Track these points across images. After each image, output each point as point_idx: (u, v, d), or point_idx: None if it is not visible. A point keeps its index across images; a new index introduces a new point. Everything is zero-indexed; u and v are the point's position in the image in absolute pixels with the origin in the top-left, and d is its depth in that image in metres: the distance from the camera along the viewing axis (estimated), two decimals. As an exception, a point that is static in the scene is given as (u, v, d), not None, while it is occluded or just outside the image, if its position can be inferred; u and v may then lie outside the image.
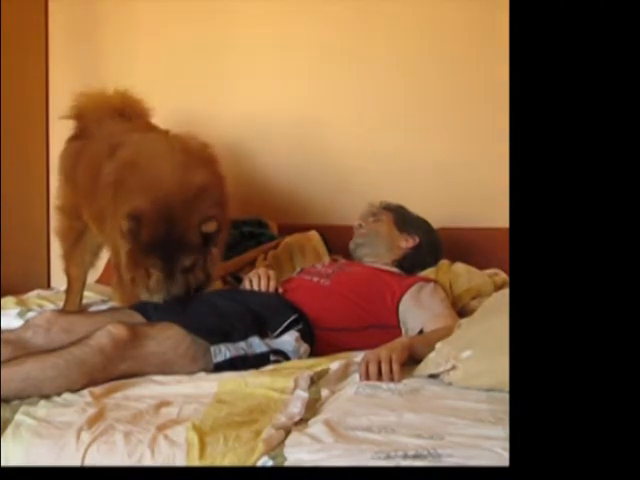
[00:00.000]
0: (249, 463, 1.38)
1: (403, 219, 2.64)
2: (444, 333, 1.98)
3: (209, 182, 2.23)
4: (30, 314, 2.33)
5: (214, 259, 2.20)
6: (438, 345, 1.88)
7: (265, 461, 1.38)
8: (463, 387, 1.73)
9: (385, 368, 1.82)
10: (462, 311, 2.40)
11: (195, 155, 2.30)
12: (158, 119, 2.67)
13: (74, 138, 2.66)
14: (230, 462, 1.39)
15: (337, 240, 2.82)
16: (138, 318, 2.06)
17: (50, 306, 2.59)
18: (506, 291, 2.15)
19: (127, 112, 2.57)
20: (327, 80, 3.17)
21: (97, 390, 1.71)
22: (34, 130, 3.32)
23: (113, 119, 2.53)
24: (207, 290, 2.22)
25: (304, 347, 2.02)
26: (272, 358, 1.96)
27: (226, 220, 2.30)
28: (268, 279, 2.32)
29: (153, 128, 2.59)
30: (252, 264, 2.80)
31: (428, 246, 2.62)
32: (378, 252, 2.56)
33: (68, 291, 2.62)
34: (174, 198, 2.13)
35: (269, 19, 3.19)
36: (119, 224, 2.13)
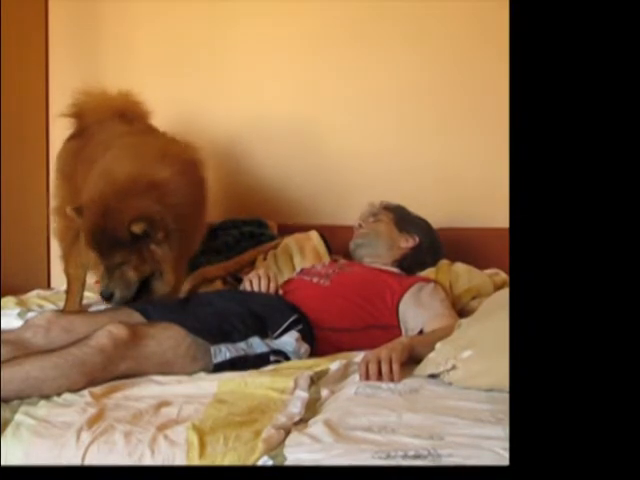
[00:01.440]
0: (249, 463, 1.38)
1: (403, 219, 2.64)
2: (444, 333, 1.98)
3: (161, 181, 2.21)
4: (30, 314, 2.33)
5: (157, 257, 2.18)
6: (438, 345, 1.88)
7: (265, 461, 1.38)
8: (463, 387, 1.73)
9: (385, 368, 1.82)
10: (462, 311, 2.40)
11: (164, 156, 2.29)
12: (157, 118, 2.67)
13: (72, 138, 2.65)
14: (230, 462, 1.39)
15: (337, 240, 2.82)
16: (138, 318, 2.06)
17: (50, 306, 2.59)
18: (506, 291, 2.15)
19: (128, 114, 2.57)
20: (327, 80, 3.16)
21: (97, 390, 1.71)
22: (34, 130, 3.32)
23: (113, 120, 2.53)
24: (166, 289, 2.23)
25: (304, 347, 2.02)
26: (272, 358, 1.96)
27: (185, 220, 2.24)
28: (268, 280, 2.32)
29: (152, 131, 2.59)
30: (252, 264, 2.80)
31: (428, 246, 2.62)
32: (378, 252, 2.56)
33: (68, 291, 2.62)
34: (112, 194, 2.15)
35: (268, 19, 3.19)
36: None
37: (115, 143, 2.37)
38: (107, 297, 2.19)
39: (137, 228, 2.11)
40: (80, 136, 2.60)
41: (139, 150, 2.34)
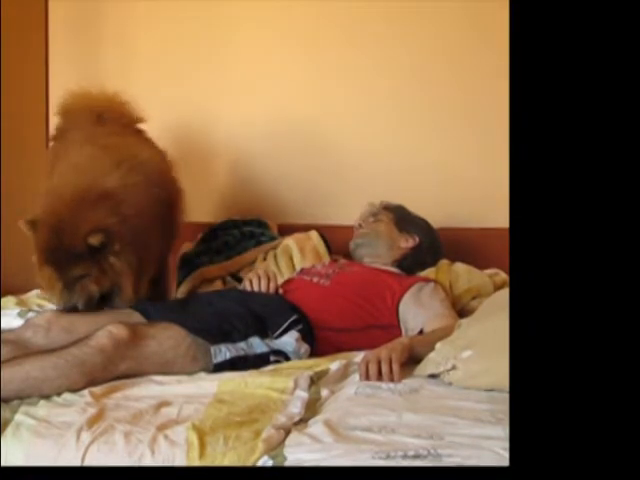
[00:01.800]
0: (249, 463, 1.38)
1: (403, 219, 2.64)
2: (444, 333, 1.98)
3: (113, 190, 2.15)
4: (30, 314, 2.33)
5: (116, 269, 2.12)
6: (438, 345, 1.88)
7: (265, 461, 1.38)
8: (463, 387, 1.73)
9: (385, 368, 1.82)
10: (462, 311, 2.40)
11: (119, 163, 2.23)
12: (157, 118, 2.67)
13: (53, 139, 2.64)
14: (230, 462, 1.39)
15: (337, 240, 2.82)
16: (138, 318, 2.06)
17: (50, 306, 2.58)
18: (506, 291, 2.15)
19: (107, 115, 2.51)
20: (327, 80, 3.16)
21: (97, 390, 1.71)
22: (34, 129, 3.32)
23: (89, 122, 2.48)
24: (124, 306, 2.16)
25: (304, 347, 2.02)
26: (272, 358, 1.96)
27: (142, 233, 2.19)
28: (268, 280, 2.32)
29: (122, 133, 2.50)
30: (252, 264, 2.80)
31: (428, 246, 2.62)
32: (378, 252, 2.56)
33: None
34: (64, 207, 2.09)
35: (269, 18, 3.18)
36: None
37: (74, 149, 2.33)
38: (70, 311, 2.10)
39: (94, 240, 2.06)
40: (60, 137, 2.57)
41: (93, 158, 2.27)
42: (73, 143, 2.40)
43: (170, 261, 2.62)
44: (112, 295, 2.16)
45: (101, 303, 2.15)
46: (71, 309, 2.11)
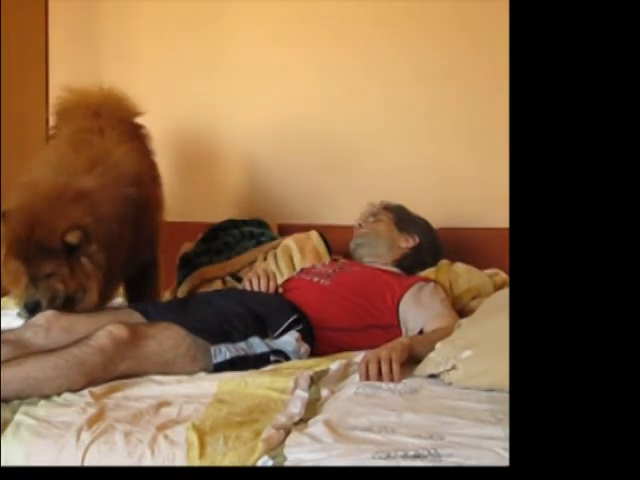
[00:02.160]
0: (249, 463, 1.38)
1: (403, 219, 2.65)
2: (444, 333, 1.98)
3: (88, 191, 2.12)
4: (30, 314, 2.33)
5: (86, 271, 2.08)
6: (438, 345, 1.88)
7: (265, 461, 1.38)
8: (463, 387, 1.73)
9: (385, 368, 1.82)
10: (462, 311, 2.40)
11: (94, 164, 2.20)
12: (157, 118, 2.67)
13: (50, 137, 2.63)
14: (230, 462, 1.39)
15: (337, 240, 2.82)
16: (138, 318, 2.06)
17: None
18: (506, 291, 2.15)
19: (102, 111, 2.47)
20: (327, 81, 3.16)
21: (97, 390, 1.71)
22: (34, 130, 3.31)
23: (86, 118, 2.44)
24: (86, 306, 2.12)
25: (304, 347, 2.02)
26: (272, 358, 1.96)
27: (113, 236, 2.14)
28: (268, 279, 2.32)
29: (107, 131, 2.42)
30: (252, 264, 2.80)
31: (428, 246, 2.62)
32: (378, 252, 2.56)
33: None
34: (40, 202, 2.06)
35: (271, 18, 3.18)
36: None
37: (47, 147, 2.30)
38: (32, 308, 2.06)
39: (72, 237, 2.02)
40: (55, 136, 2.56)
41: (63, 155, 2.23)
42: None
43: (157, 261, 2.56)
44: (77, 297, 2.11)
45: (65, 304, 2.09)
46: (32, 307, 2.06)
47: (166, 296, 2.74)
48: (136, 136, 2.54)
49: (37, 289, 2.06)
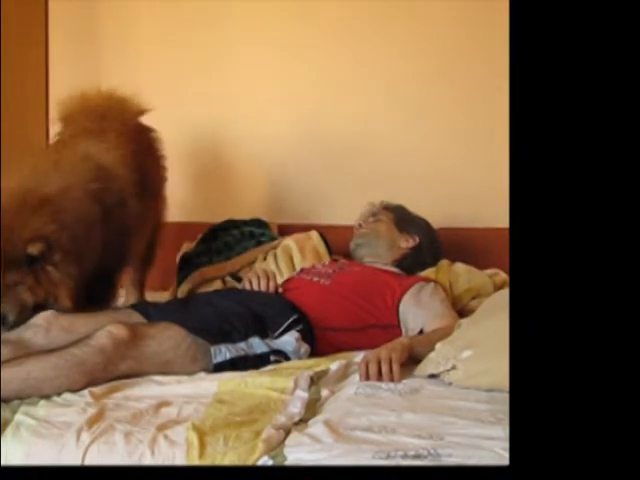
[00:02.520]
0: (249, 463, 1.38)
1: (403, 219, 2.65)
2: (444, 333, 1.98)
3: (52, 195, 2.05)
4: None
5: (53, 279, 2.03)
6: (438, 345, 1.88)
7: (265, 461, 1.38)
8: (463, 387, 1.73)
9: (385, 368, 1.82)
10: (462, 311, 2.40)
11: (57, 165, 2.14)
12: (157, 118, 2.66)
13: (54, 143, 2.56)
14: (230, 462, 1.39)
15: (337, 240, 2.82)
16: (138, 318, 2.06)
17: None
18: (506, 291, 2.15)
19: (107, 114, 2.42)
20: (327, 81, 3.16)
21: (97, 390, 1.71)
22: (34, 132, 3.32)
23: (88, 120, 2.39)
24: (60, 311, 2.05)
25: (304, 347, 2.02)
26: (272, 358, 1.96)
27: (80, 241, 2.08)
28: (268, 279, 2.32)
29: (125, 130, 2.41)
30: (252, 264, 2.80)
31: (428, 246, 2.62)
32: (378, 252, 2.56)
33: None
34: (6, 210, 2.00)
35: (270, 17, 3.19)
36: None
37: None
38: None
39: (34, 249, 1.98)
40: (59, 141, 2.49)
41: (34, 158, 2.19)
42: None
43: (134, 258, 2.52)
44: (47, 305, 2.05)
45: (35, 312, 2.03)
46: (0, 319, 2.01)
47: (166, 296, 2.74)
48: (139, 138, 2.51)
49: (3, 299, 2.00)
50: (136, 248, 2.46)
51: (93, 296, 2.22)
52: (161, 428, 1.49)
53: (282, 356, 1.98)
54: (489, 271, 2.67)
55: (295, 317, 2.09)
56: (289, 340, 2.01)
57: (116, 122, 2.41)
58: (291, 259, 2.76)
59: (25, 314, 2.01)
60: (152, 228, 2.62)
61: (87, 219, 2.12)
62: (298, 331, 2.05)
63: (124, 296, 2.64)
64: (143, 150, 2.50)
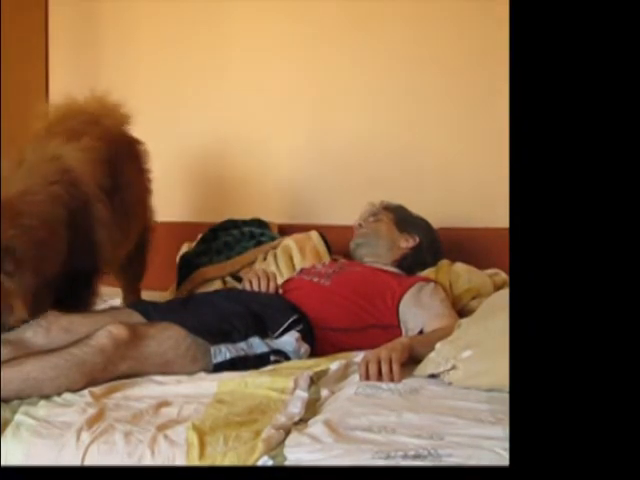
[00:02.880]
0: (249, 463, 1.38)
1: (403, 219, 2.65)
2: (444, 333, 1.98)
3: (10, 198, 1.95)
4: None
5: (6, 290, 1.91)
6: (438, 345, 1.88)
7: (265, 461, 1.38)
8: (463, 387, 1.73)
9: (385, 368, 1.82)
10: (462, 311, 2.40)
11: (18, 165, 2.05)
12: (157, 118, 2.67)
13: None
14: (230, 462, 1.39)
15: (337, 240, 2.82)
16: (138, 318, 2.06)
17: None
18: (506, 291, 2.15)
19: (102, 120, 2.35)
20: (327, 81, 3.17)
21: (97, 390, 1.71)
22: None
23: (68, 121, 2.29)
24: (17, 323, 1.95)
25: (304, 347, 2.03)
26: (272, 358, 1.96)
27: (41, 246, 1.98)
28: (268, 279, 2.32)
29: (111, 136, 2.33)
30: (252, 264, 2.80)
31: (428, 246, 2.62)
32: (378, 252, 2.56)
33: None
34: None
35: (269, 17, 3.19)
36: None
37: None
38: None
39: None
40: None
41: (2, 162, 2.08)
42: None
43: (115, 264, 2.45)
44: (4, 316, 1.93)
45: None
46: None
47: (166, 296, 2.74)
48: (121, 146, 2.39)
49: None
50: (117, 254, 2.36)
51: (67, 300, 2.14)
52: (161, 428, 1.49)
53: (282, 356, 1.98)
54: (489, 271, 2.67)
55: (295, 317, 2.09)
56: (289, 340, 2.01)
57: (97, 126, 2.32)
58: (291, 259, 2.76)
59: None
60: (139, 235, 2.54)
61: (50, 222, 2.01)
62: (298, 331, 2.05)
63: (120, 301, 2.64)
64: (123, 159, 2.38)
